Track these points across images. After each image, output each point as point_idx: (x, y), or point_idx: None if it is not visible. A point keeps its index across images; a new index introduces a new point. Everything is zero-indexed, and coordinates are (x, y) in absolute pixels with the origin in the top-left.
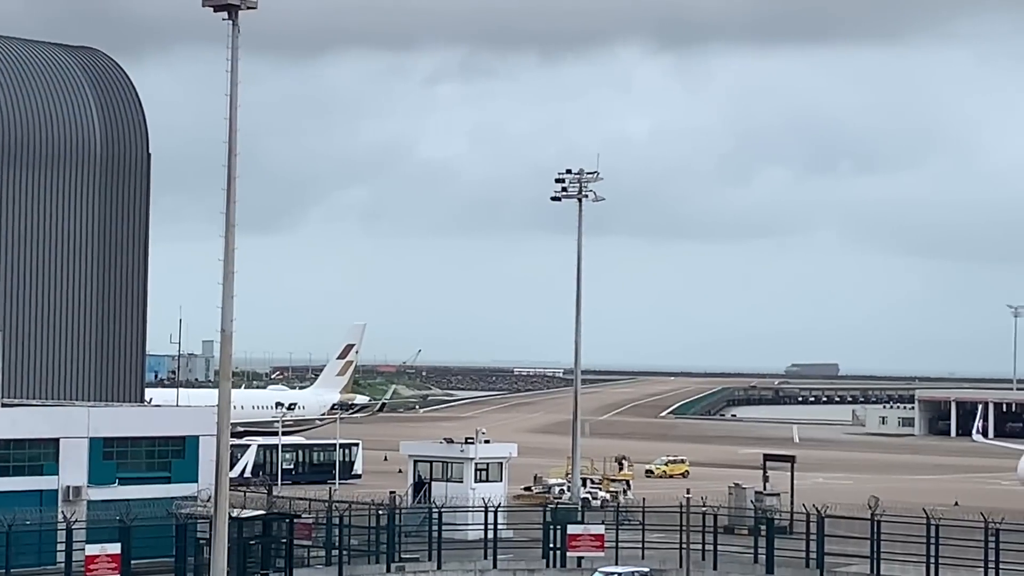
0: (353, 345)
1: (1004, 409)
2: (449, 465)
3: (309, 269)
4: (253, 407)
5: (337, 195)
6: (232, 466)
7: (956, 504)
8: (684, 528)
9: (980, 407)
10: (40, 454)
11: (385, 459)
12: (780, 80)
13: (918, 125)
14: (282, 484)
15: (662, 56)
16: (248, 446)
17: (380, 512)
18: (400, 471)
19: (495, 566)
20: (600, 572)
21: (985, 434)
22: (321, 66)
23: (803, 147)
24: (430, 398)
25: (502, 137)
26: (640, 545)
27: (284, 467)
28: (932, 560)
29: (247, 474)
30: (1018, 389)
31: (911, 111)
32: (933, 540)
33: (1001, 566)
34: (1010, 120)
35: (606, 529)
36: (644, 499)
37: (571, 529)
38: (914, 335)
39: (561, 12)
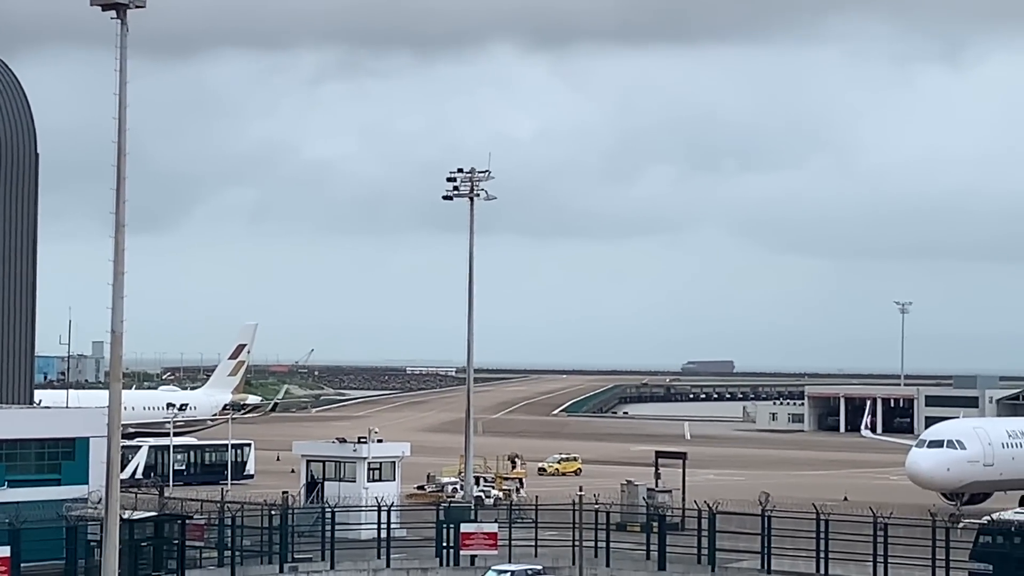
0: (245, 345)
1: (892, 404)
2: (342, 465)
3: (198, 269)
4: (144, 408)
5: (223, 194)
6: (123, 467)
7: (845, 499)
8: (577, 525)
9: (868, 403)
10: None
11: (278, 459)
12: (655, 79)
13: (796, 123)
14: (174, 485)
15: (536, 56)
16: (139, 447)
17: (273, 512)
18: (293, 471)
19: (388, 565)
20: (493, 570)
21: (873, 429)
22: (201, 66)
23: (686, 145)
24: (323, 398)
25: (386, 136)
26: (533, 543)
27: (176, 468)
28: (822, 554)
29: (138, 475)
30: (906, 385)
31: (788, 110)
32: (823, 535)
33: (889, 560)
34: (886, 118)
35: (499, 527)
36: (537, 497)
37: (464, 528)
38: (805, 332)
39: (428, 12)
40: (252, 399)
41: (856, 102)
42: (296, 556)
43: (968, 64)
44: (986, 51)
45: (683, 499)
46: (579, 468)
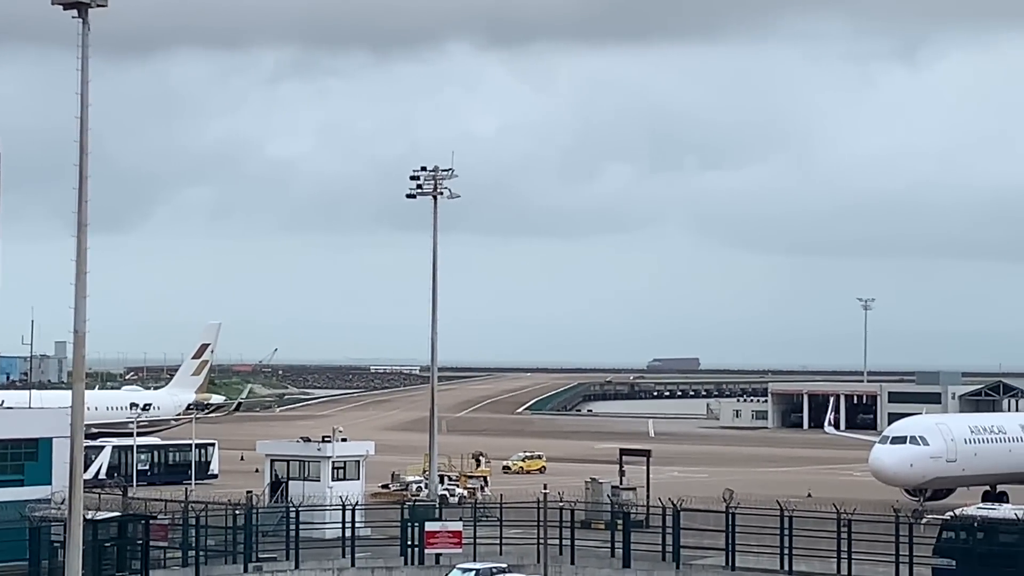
0: (208, 344)
1: (855, 401)
2: (306, 464)
3: (161, 268)
4: (107, 408)
5: (185, 194)
6: (86, 468)
7: (809, 495)
8: (541, 523)
9: (832, 399)
10: None
11: (242, 459)
12: (615, 77)
13: (756, 121)
14: (137, 485)
15: (494, 54)
16: (103, 447)
17: (237, 512)
18: (257, 470)
19: (353, 564)
20: (458, 569)
21: (837, 426)
22: (160, 65)
23: (647, 143)
24: (287, 397)
25: (347, 135)
26: (498, 541)
27: (139, 468)
28: (786, 551)
29: (102, 475)
30: (869, 381)
31: (748, 107)
32: (787, 531)
33: (853, 556)
34: (846, 115)
35: (464, 526)
36: (501, 495)
37: (429, 526)
38: (769, 329)
39: (383, 11)
40: (216, 399)
41: (815, 100)
42: (261, 556)
43: (924, 62)
44: (941, 49)
45: (647, 496)
46: (543, 466)
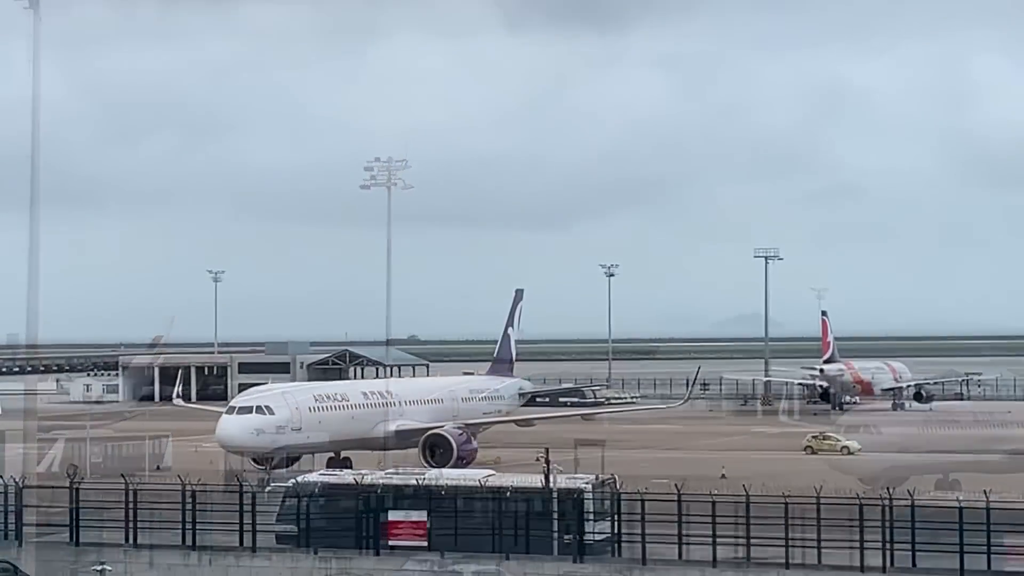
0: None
1: (206, 372)
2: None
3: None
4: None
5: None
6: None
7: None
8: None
9: (181, 371)
10: None
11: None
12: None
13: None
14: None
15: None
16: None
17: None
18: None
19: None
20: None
21: (187, 398)
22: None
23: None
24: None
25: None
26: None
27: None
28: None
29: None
30: (220, 352)
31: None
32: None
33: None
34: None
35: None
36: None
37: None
38: (122, 302)
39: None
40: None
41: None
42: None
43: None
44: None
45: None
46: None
